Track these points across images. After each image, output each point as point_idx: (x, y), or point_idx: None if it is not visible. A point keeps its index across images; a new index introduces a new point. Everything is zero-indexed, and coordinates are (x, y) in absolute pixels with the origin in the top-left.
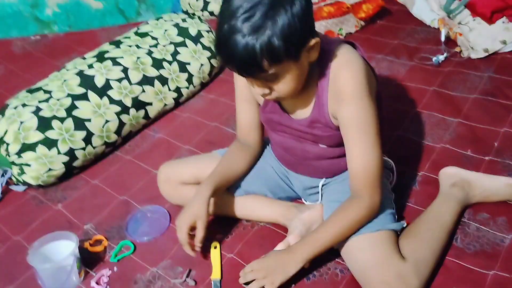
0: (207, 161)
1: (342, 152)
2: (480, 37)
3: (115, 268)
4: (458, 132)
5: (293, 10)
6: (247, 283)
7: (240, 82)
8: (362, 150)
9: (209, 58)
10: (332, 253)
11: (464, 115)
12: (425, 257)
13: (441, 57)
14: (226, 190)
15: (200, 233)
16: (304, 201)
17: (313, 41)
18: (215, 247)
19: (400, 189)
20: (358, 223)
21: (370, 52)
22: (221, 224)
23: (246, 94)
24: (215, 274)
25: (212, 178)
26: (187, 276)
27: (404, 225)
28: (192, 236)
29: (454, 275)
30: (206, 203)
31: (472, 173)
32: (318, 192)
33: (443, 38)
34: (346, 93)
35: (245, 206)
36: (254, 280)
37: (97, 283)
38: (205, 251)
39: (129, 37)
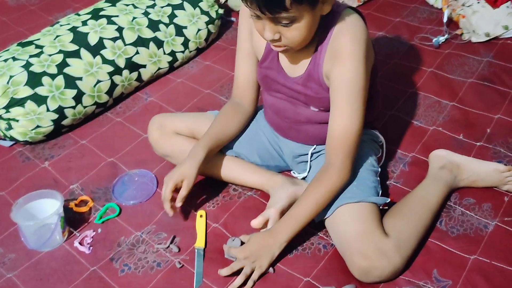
0: (202, 118)
1: None
2: (483, 21)
3: (99, 230)
4: (452, 116)
5: None
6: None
7: (243, 36)
8: (345, 113)
9: (207, 23)
10: (315, 227)
11: (460, 99)
12: (408, 235)
13: (442, 39)
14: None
15: (183, 191)
16: (292, 173)
17: None
18: (201, 216)
19: (388, 168)
20: (332, 192)
21: (371, 29)
22: (208, 193)
23: (248, 48)
24: (199, 243)
25: (206, 140)
26: (171, 243)
27: (387, 201)
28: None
29: (436, 256)
30: (197, 165)
31: (462, 156)
32: (307, 161)
33: (445, 19)
34: (343, 52)
35: (232, 169)
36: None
37: (80, 243)
38: (190, 219)
39: None
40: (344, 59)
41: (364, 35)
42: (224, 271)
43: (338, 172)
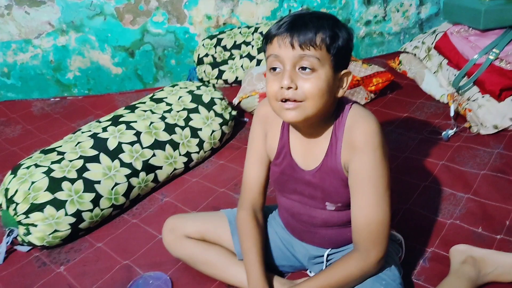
0: (213, 219)
1: (349, 218)
2: (490, 114)
3: None
4: (468, 208)
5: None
6: None
7: (257, 139)
8: (368, 202)
9: (220, 125)
10: None
11: (474, 191)
12: None
13: (451, 132)
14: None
15: None
16: (308, 272)
17: (348, 73)
18: None
19: (409, 265)
20: (354, 277)
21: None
22: None
23: (260, 151)
24: None
25: (254, 262)
26: None
27: None
28: None
29: None
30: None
31: (483, 250)
32: (323, 262)
33: (452, 113)
34: (360, 142)
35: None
36: None
37: None
38: None
39: (144, 102)
40: (362, 149)
41: (378, 124)
42: None
43: (363, 259)
